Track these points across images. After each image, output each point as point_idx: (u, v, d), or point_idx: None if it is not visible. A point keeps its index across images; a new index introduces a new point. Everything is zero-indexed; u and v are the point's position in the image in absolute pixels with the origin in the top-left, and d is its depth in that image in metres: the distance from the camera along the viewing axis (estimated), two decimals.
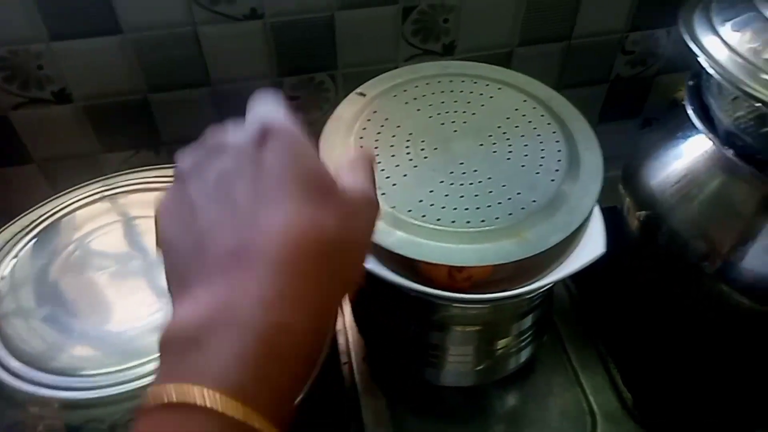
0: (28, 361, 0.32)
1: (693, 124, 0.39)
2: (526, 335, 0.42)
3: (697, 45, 0.35)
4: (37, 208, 0.44)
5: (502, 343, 0.41)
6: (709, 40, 0.35)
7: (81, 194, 0.43)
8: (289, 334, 0.19)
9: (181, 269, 0.20)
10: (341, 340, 0.49)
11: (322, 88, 0.57)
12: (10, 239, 0.40)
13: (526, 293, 0.36)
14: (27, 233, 0.39)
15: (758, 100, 0.32)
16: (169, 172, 0.45)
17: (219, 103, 0.56)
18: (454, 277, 0.38)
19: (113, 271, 0.37)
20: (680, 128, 0.42)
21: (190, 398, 0.17)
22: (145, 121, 0.56)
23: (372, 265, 0.35)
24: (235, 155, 0.21)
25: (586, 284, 0.53)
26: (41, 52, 0.49)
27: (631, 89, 0.67)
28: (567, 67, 0.62)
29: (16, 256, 0.38)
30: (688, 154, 0.41)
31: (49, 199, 0.44)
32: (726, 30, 0.35)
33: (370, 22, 0.53)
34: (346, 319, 0.50)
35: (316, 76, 0.56)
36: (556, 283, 0.36)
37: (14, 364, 0.32)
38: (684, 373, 0.46)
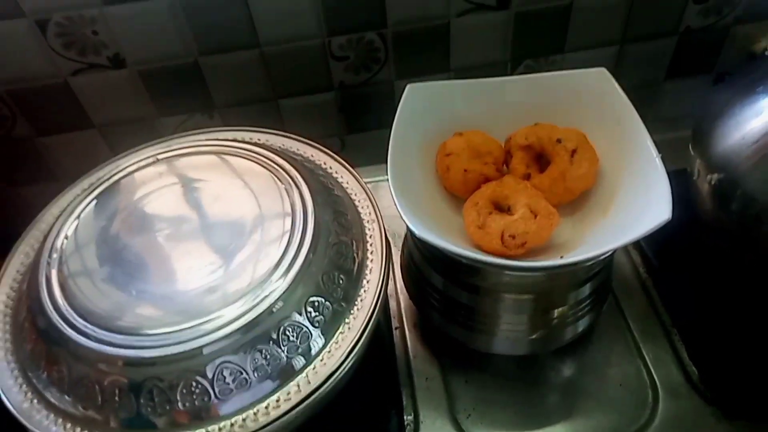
0: (93, 320, 0.33)
1: None
2: (584, 304, 0.40)
3: None
4: (95, 171, 0.45)
5: (558, 312, 0.40)
6: None
7: (138, 157, 0.43)
8: None
9: None
10: (392, 304, 0.49)
11: (371, 48, 0.56)
12: (72, 201, 0.41)
13: (584, 261, 0.34)
14: (87, 195, 0.40)
15: None
16: (222, 135, 0.45)
17: (269, 65, 0.55)
18: (507, 243, 0.36)
19: (170, 232, 0.37)
20: (761, 82, 0.38)
21: None
22: (198, 85, 0.56)
23: (422, 230, 0.34)
24: None
25: (649, 250, 0.50)
26: (95, 17, 0.49)
27: (703, 41, 0.62)
28: (632, 19, 0.58)
29: (78, 217, 0.39)
30: None
31: (106, 162, 0.46)
32: None
33: None
34: (397, 284, 0.49)
35: (365, 36, 0.55)
36: (617, 250, 0.34)
37: (80, 322, 0.33)
38: (757, 349, 0.43)
